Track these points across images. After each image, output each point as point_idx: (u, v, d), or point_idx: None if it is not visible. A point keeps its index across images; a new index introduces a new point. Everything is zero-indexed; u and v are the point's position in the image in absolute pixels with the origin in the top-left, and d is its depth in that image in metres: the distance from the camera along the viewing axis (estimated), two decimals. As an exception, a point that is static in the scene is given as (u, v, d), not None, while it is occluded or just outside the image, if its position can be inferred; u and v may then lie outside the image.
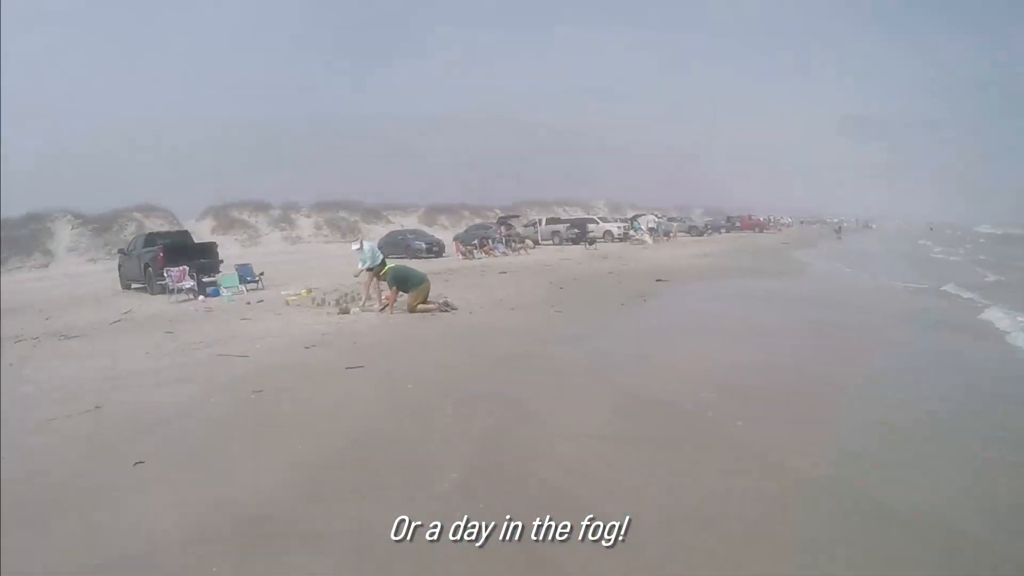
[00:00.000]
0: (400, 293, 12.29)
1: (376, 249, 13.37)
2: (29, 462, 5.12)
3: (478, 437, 5.22)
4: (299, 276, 21.31)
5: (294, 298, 15.18)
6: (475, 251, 29.53)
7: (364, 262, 12.97)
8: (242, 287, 17.84)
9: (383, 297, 12.68)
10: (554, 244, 39.09)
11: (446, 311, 11.87)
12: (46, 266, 41.35)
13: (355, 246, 13.20)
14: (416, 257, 29.41)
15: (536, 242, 37.93)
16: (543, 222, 42.37)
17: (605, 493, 4.28)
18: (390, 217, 63.00)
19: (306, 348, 9.05)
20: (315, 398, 6.50)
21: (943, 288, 14.90)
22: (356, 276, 13.10)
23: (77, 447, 5.40)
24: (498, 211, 63.92)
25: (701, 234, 51.48)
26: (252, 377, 7.40)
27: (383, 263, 12.90)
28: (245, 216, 56.72)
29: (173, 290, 16.90)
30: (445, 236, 39.36)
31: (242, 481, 4.62)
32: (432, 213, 66.40)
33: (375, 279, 12.91)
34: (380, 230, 52.51)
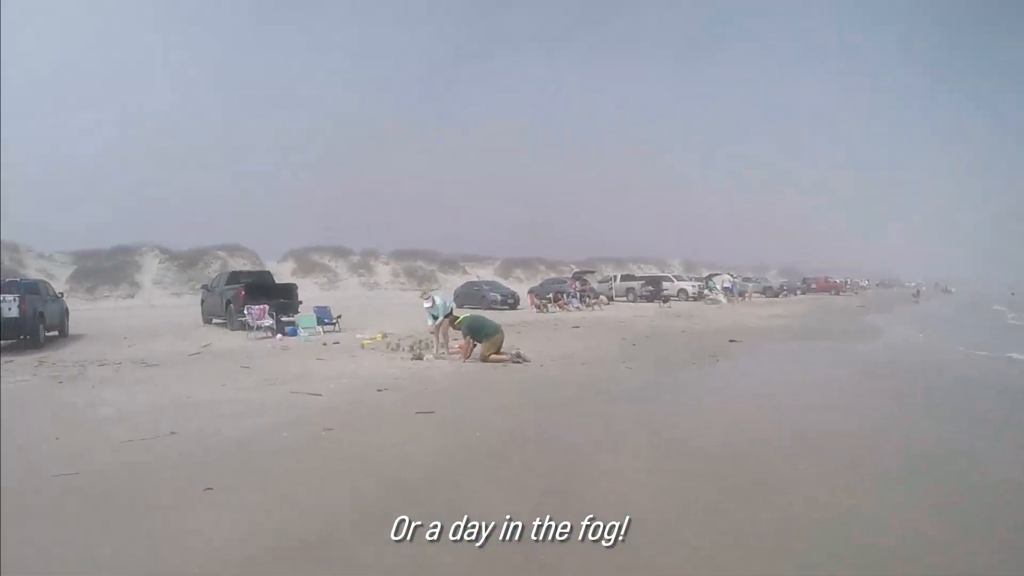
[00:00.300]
0: (474, 343, 12.38)
1: (447, 302, 13.52)
2: (103, 482, 5.25)
3: (536, 482, 5.10)
4: (375, 321, 21.74)
5: (369, 342, 15.46)
6: (549, 304, 29.58)
7: (436, 318, 13.01)
8: (319, 328, 18.29)
9: (457, 346, 12.79)
10: (628, 301, 38.77)
11: (518, 362, 11.89)
12: (132, 296, 43.47)
13: (427, 304, 13.20)
14: (491, 308, 29.67)
15: (610, 298, 37.75)
16: (618, 278, 42.19)
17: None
18: (467, 268, 63.97)
19: (378, 391, 9.14)
20: (384, 439, 6.51)
21: (1009, 354, 14.28)
22: (431, 332, 13.21)
23: (150, 469, 5.53)
24: (573, 266, 64.10)
25: (776, 295, 50.24)
26: (323, 415, 7.49)
27: (451, 313, 13.04)
28: (326, 260, 58.63)
29: (252, 327, 17.46)
30: (520, 289, 39.65)
31: (304, 510, 4.64)
32: (508, 266, 67.14)
33: (447, 328, 13.03)
34: (456, 280, 53.38)
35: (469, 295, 32.74)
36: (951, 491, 5.17)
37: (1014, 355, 14.16)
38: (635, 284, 40.59)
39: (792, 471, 5.49)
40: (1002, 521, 4.58)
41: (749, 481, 5.26)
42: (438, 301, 13.30)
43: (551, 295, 31.31)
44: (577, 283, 35.14)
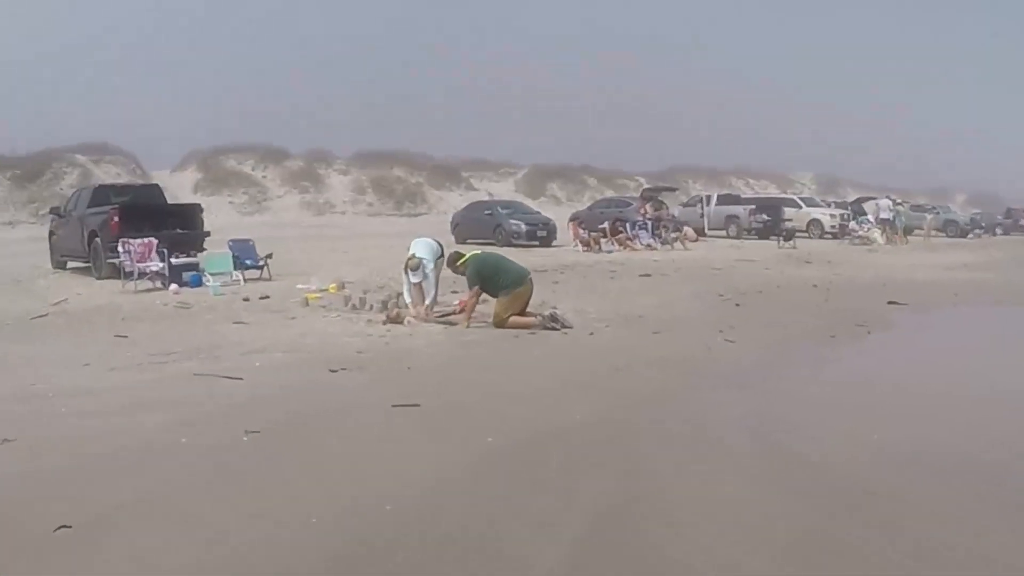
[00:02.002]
0: (484, 297, 12.40)
1: (433, 244, 13.68)
2: None
3: (583, 519, 5.05)
4: (327, 263, 21.80)
5: (317, 296, 15.50)
6: (604, 240, 29.42)
7: (426, 276, 13.12)
8: (238, 274, 18.38)
9: (457, 303, 12.79)
10: (730, 236, 38.52)
11: (554, 328, 11.87)
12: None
13: (411, 254, 13.30)
14: (511, 244, 29.56)
15: (701, 231, 37.49)
16: (713, 200, 41.91)
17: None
18: (472, 180, 63.76)
19: (332, 372, 9.12)
20: (341, 450, 6.44)
21: None
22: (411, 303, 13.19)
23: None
24: (642, 180, 63.62)
25: (964, 234, 49.66)
26: (245, 411, 7.44)
27: (442, 254, 13.15)
28: (247, 168, 58.64)
29: (132, 273, 17.46)
30: (557, 214, 39.42)
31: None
32: (538, 177, 66.84)
33: (438, 277, 13.07)
34: (455, 200, 53.22)
35: (476, 223, 32.62)
36: None
37: None
38: (741, 210, 40.30)
39: (977, 521, 5.30)
40: None
41: (909, 529, 5.07)
42: (420, 250, 13.34)
43: (606, 225, 31.11)
44: (648, 206, 34.88)
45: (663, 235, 31.77)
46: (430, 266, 13.34)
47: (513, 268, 12.53)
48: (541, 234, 31.26)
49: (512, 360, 10.09)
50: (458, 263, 12.70)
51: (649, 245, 30.14)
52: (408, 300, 13.50)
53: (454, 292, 14.98)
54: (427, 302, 13.21)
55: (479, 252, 13.01)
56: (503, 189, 61.16)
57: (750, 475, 5.89)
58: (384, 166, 62.00)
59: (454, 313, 12.90)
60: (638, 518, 5.17)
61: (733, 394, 8.40)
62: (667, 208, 36.64)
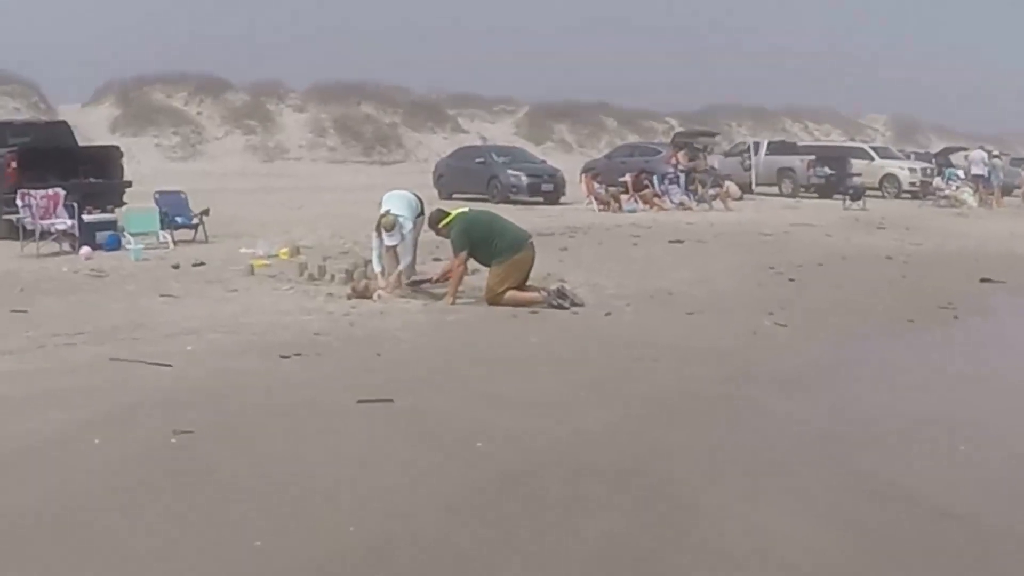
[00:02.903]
0: (474, 266, 12.44)
1: (410, 199, 13.59)
2: None
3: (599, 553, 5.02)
4: (277, 222, 21.72)
5: (265, 263, 15.44)
6: (624, 197, 29.31)
7: (403, 236, 13.01)
8: (165, 235, 18.30)
9: (439, 270, 12.72)
10: (782, 194, 38.43)
11: (561, 307, 11.83)
12: None
13: (385, 211, 13.13)
14: (509, 201, 29.50)
15: (746, 188, 37.32)
16: (763, 148, 41.66)
17: None
18: (460, 119, 63.53)
19: (283, 358, 9.11)
20: (293, 457, 6.40)
21: None
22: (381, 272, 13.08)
23: None
24: (673, 122, 63.44)
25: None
26: (173, 406, 7.39)
27: (422, 212, 13.04)
28: (179, 103, 58.42)
29: (33, 233, 17.38)
30: (567, 164, 39.33)
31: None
32: (542, 118, 66.55)
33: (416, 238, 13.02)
34: (439, 144, 53.07)
35: (465, 174, 32.55)
36: None
37: None
38: (796, 162, 40.12)
39: None
40: None
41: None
42: (396, 205, 13.22)
43: (627, 178, 30.99)
44: (681, 155, 34.72)
45: (699, 191, 31.60)
46: (408, 225, 13.15)
47: (510, 230, 12.46)
48: (546, 188, 31.20)
49: (507, 346, 10.05)
50: (441, 223, 12.55)
51: (682, 204, 30.03)
52: (378, 269, 13.23)
53: (437, 260, 14.90)
54: (400, 267, 13.05)
55: (468, 210, 12.94)
56: (499, 132, 61.01)
57: (816, 512, 5.63)
58: (350, 102, 61.79)
59: (435, 282, 12.80)
60: (671, 560, 5.02)
61: (787, 397, 8.31)
62: (704, 158, 36.52)
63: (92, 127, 48.64)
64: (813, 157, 40.50)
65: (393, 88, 63.84)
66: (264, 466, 6.23)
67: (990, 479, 6.39)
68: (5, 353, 9.21)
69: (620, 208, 28.34)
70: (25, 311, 11.47)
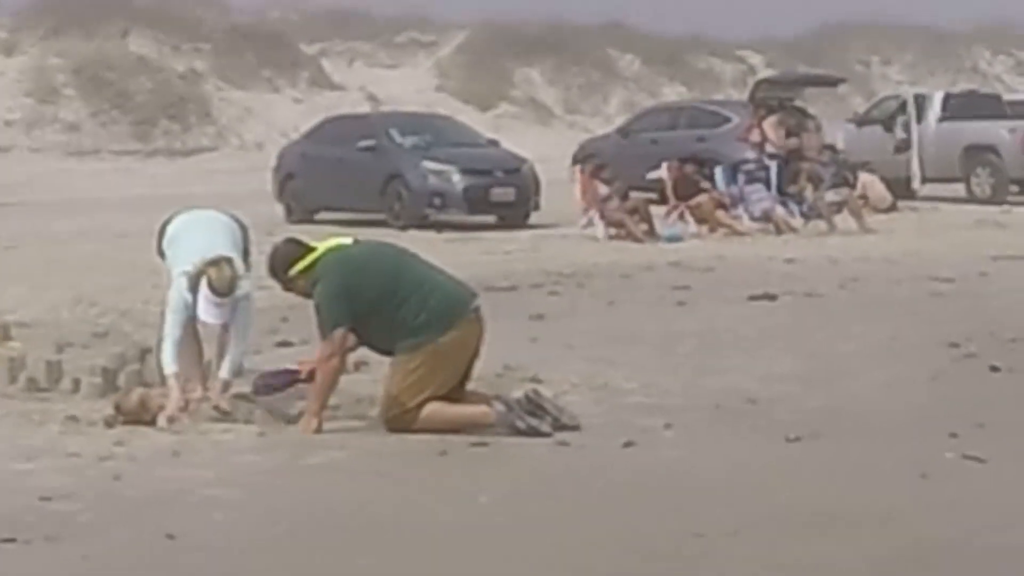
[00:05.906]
0: (361, 355, 9.05)
1: (233, 227, 9.71)
2: None
3: None
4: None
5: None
6: (657, 209, 21.76)
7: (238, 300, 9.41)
8: None
9: (296, 364, 9.35)
10: (972, 194, 27.65)
11: (534, 432, 8.22)
12: None
13: (194, 244, 9.31)
14: (427, 221, 21.86)
15: (904, 187, 26.99)
16: (933, 107, 29.90)
17: None
18: (327, 62, 46.14)
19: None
20: None
21: None
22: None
23: None
24: (754, 61, 50.92)
25: None
26: None
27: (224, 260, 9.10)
28: None
29: None
30: (542, 146, 32.97)
31: None
32: (492, 55, 48.09)
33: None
34: (285, 112, 41.87)
35: (337, 171, 23.42)
36: None
37: None
38: (1002, 132, 28.42)
39: None
40: None
41: None
42: (213, 243, 9.28)
43: (663, 173, 22.49)
44: (769, 125, 25.33)
45: (807, 196, 22.15)
46: (246, 284, 8.68)
47: (433, 284, 8.07)
48: (501, 196, 22.44)
49: (428, 520, 6.57)
50: (295, 267, 8.17)
51: (772, 220, 21.07)
52: (169, 369, 8.70)
53: (283, 346, 10.74)
54: (224, 369, 8.53)
55: (349, 242, 8.58)
56: (406, 86, 44.31)
57: None
58: (107, 32, 43.72)
59: (285, 388, 8.65)
60: None
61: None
62: (817, 127, 26.76)
63: None
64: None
65: (197, 3, 45.49)
66: None
67: None
68: None
69: (651, 232, 20.20)
70: None
